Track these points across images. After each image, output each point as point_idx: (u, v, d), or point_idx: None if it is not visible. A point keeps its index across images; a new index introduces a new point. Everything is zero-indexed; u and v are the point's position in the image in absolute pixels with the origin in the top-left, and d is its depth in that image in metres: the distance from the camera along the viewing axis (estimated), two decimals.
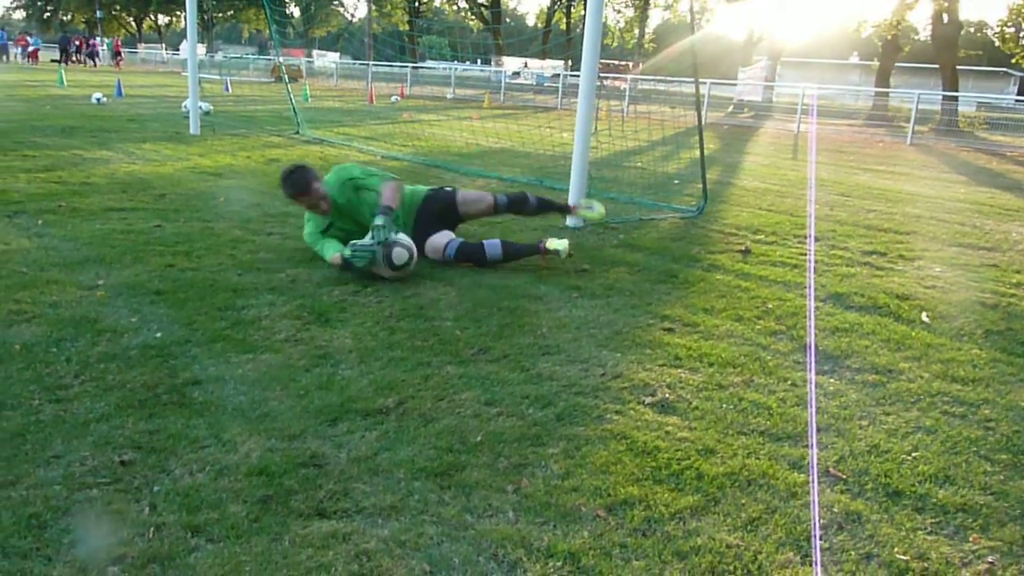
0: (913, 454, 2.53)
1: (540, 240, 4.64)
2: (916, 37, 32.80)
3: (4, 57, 40.25)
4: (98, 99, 15.51)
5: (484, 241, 4.59)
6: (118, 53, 40.63)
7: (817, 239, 5.80)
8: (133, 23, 68.82)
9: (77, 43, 41.89)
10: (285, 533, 1.95)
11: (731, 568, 1.92)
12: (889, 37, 24.76)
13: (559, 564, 1.89)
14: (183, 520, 1.98)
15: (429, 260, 4.52)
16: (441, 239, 4.57)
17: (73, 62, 38.37)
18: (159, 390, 2.70)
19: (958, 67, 22.72)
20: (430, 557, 1.89)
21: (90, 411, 2.52)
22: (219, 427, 2.46)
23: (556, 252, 4.55)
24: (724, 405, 2.83)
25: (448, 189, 5.00)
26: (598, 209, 5.48)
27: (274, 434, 2.43)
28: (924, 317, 3.99)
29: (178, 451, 2.31)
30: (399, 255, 4.10)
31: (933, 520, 2.17)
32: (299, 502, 2.08)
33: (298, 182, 4.46)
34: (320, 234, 4.52)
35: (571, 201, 5.68)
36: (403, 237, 4.21)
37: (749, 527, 2.09)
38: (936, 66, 23.24)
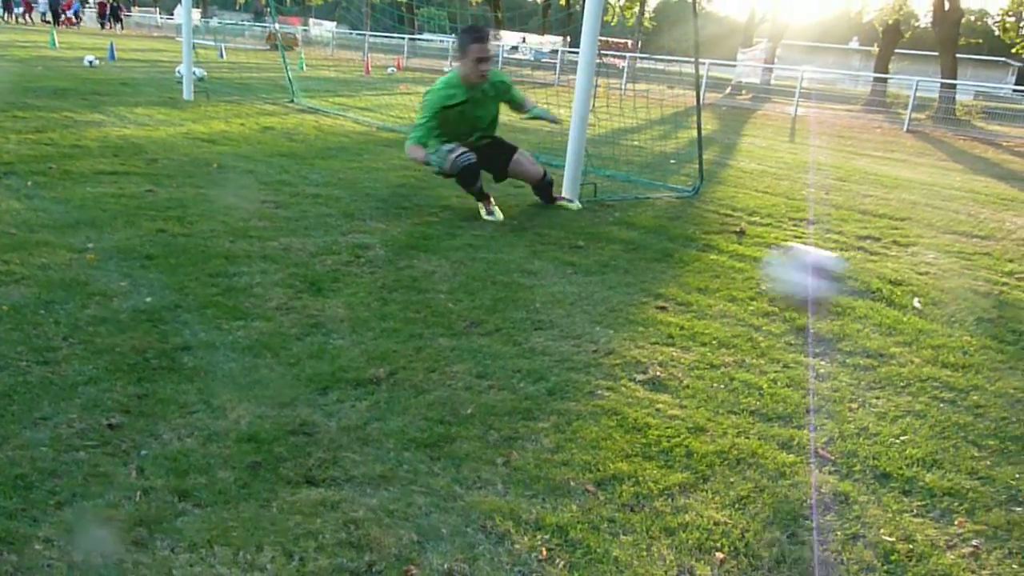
0: (902, 438, 2.54)
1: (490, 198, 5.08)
2: (917, 24, 32.64)
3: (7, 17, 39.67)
4: (90, 62, 15.32)
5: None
6: (101, 14, 40.18)
7: (812, 222, 5.80)
8: None
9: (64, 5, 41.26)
10: (274, 500, 1.94)
11: (719, 545, 1.92)
12: (890, 22, 24.66)
13: (547, 537, 1.89)
14: (171, 484, 1.97)
15: (423, 231, 4.51)
16: (460, 146, 4.95)
17: (62, 23, 37.83)
18: (149, 355, 2.68)
19: (958, 55, 22.65)
20: (419, 527, 1.89)
21: (79, 374, 2.50)
22: (209, 393, 2.44)
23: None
24: (715, 384, 2.83)
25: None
26: (576, 205, 5.67)
27: (264, 401, 2.42)
28: (916, 303, 4.00)
29: (167, 416, 2.29)
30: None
31: (920, 503, 2.18)
32: (288, 469, 2.08)
33: (480, 29, 4.95)
34: (438, 111, 4.88)
35: (564, 191, 5.84)
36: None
37: (737, 505, 2.10)
38: (936, 53, 23.15)
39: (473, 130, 5.14)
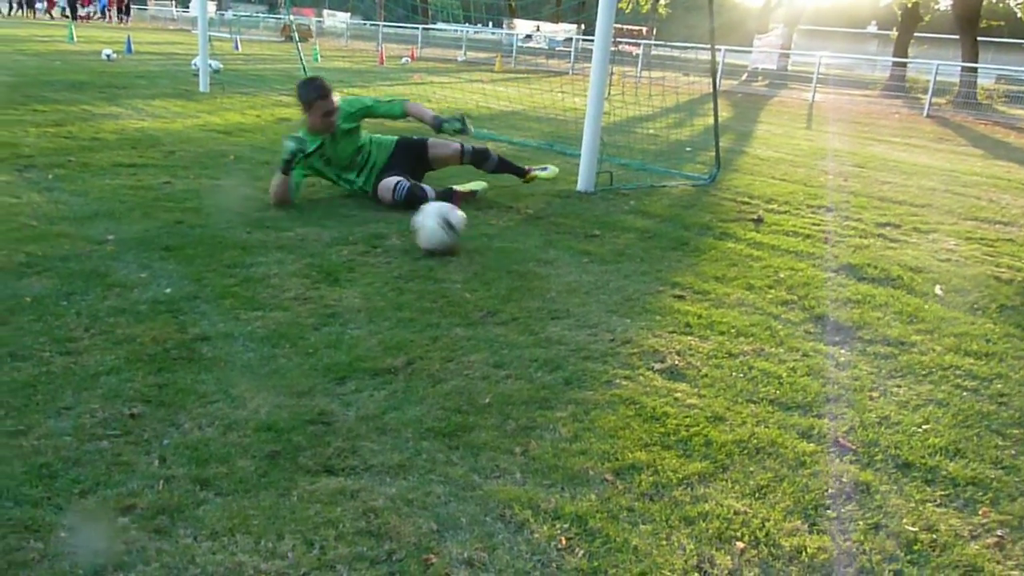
0: (924, 427, 2.52)
1: (451, 187, 4.96)
2: (936, 7, 32.21)
3: (21, 12, 39.99)
4: (108, 55, 15.41)
5: (423, 185, 4.85)
6: (119, 9, 40.31)
7: (831, 210, 5.75)
8: None
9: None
10: (293, 488, 1.95)
11: (738, 534, 1.91)
12: (909, 5, 24.35)
13: (566, 526, 1.89)
14: (192, 473, 1.98)
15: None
16: (388, 183, 4.77)
17: (81, 18, 38.04)
18: (168, 345, 2.70)
19: (978, 38, 22.33)
20: (437, 516, 1.89)
21: (100, 364, 2.52)
22: (228, 383, 2.46)
23: (472, 193, 5.00)
24: (734, 373, 2.82)
25: (417, 137, 5.25)
26: (551, 169, 5.59)
27: (282, 391, 2.43)
28: (937, 290, 3.96)
29: (187, 405, 2.31)
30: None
31: (943, 493, 2.16)
32: (307, 458, 2.09)
33: (322, 86, 4.74)
34: (302, 159, 4.66)
35: (579, 185, 5.74)
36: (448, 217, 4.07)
37: (757, 494, 2.09)
38: (956, 36, 22.84)
39: (347, 163, 4.92)
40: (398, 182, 4.74)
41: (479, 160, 5.26)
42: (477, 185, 5.13)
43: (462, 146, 5.19)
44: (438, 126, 5.00)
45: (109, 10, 40.86)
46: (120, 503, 1.85)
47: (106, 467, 1.99)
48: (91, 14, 39.90)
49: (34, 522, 1.77)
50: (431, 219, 3.89)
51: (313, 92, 4.72)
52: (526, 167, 5.55)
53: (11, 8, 40.45)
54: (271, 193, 4.67)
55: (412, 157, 5.07)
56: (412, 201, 4.55)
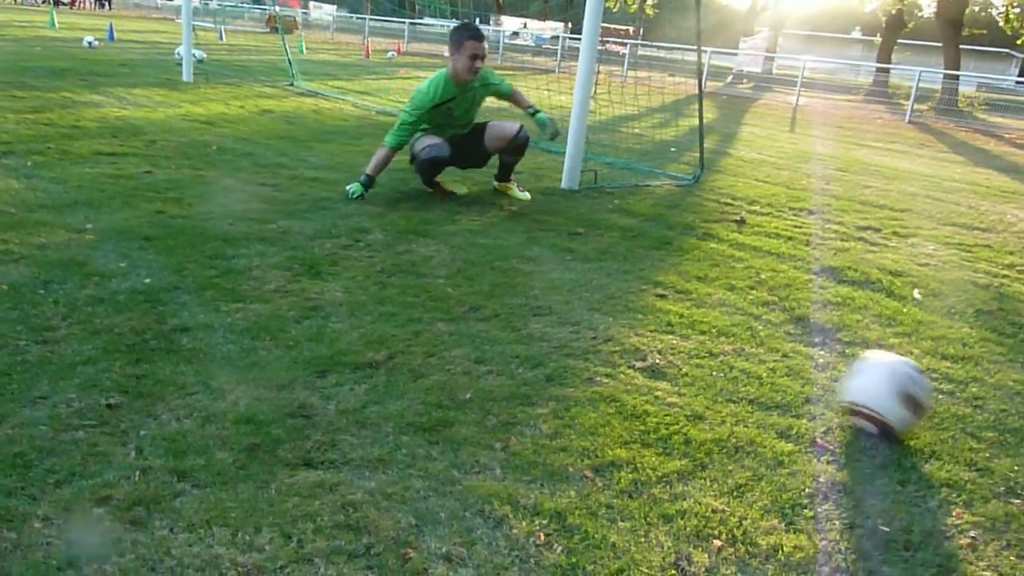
0: None
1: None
2: (920, 14, 32.51)
3: None
4: (89, 43, 15.24)
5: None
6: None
7: (813, 212, 5.79)
8: None
9: None
10: (272, 481, 1.94)
11: (716, 532, 1.92)
12: (893, 12, 24.56)
13: (545, 522, 1.89)
14: (169, 465, 1.96)
15: (422, 216, 4.50)
16: (435, 140, 4.91)
17: (64, 4, 37.63)
18: (147, 335, 2.67)
19: (961, 46, 22.57)
20: (416, 510, 1.89)
21: (77, 354, 2.49)
22: (207, 374, 2.44)
23: (452, 193, 5.14)
24: (714, 373, 2.83)
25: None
26: (525, 196, 5.40)
27: (262, 383, 2.42)
28: (916, 294, 4.00)
29: (165, 396, 2.29)
30: None
31: (918, 494, 2.19)
32: (286, 451, 2.07)
33: (477, 28, 4.97)
34: (430, 109, 4.82)
35: (563, 183, 5.80)
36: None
37: (735, 493, 2.10)
38: (939, 44, 23.07)
39: (455, 127, 5.06)
40: (440, 143, 4.89)
41: (517, 151, 5.27)
42: (459, 188, 5.25)
43: (521, 127, 5.18)
44: (533, 113, 5.28)
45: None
46: (96, 494, 1.83)
47: (82, 457, 1.97)
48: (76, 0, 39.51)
49: (8, 512, 1.74)
50: (889, 399, 2.44)
51: (467, 31, 4.84)
52: (512, 180, 5.52)
53: None
54: (375, 158, 4.91)
55: (471, 141, 5.17)
56: (433, 169, 4.99)
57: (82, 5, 39.79)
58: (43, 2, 37.84)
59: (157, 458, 1.99)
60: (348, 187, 4.87)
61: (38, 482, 1.86)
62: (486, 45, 4.89)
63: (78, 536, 1.70)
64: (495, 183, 5.48)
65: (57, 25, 20.67)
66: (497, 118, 5.43)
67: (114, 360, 2.47)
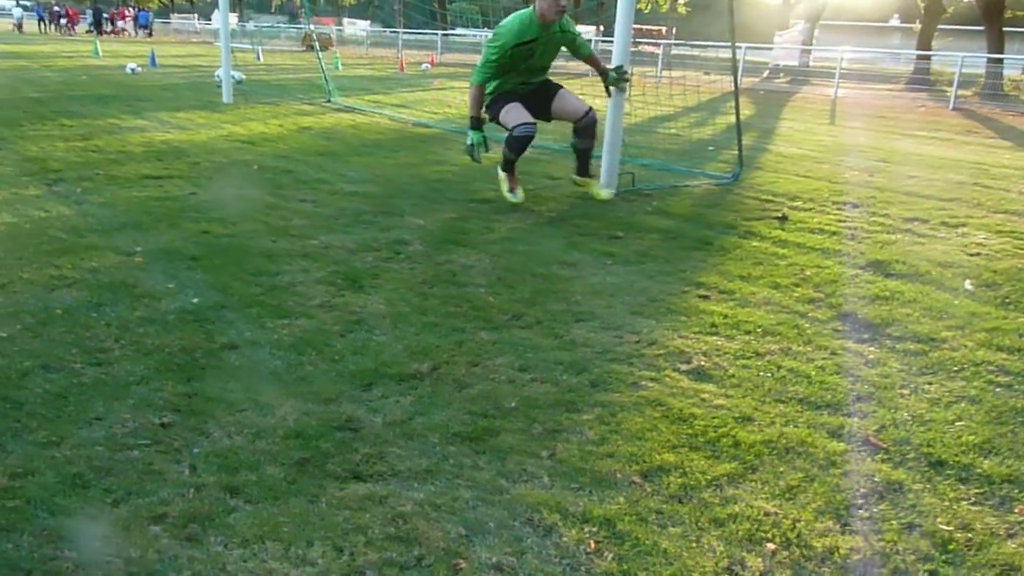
0: (957, 424, 2.48)
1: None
2: None
3: (52, 27, 40.85)
4: (132, 69, 15.64)
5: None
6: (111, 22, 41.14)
7: (856, 206, 5.68)
8: None
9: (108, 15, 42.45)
10: (322, 495, 1.96)
11: (769, 535, 1.89)
12: None
13: (595, 529, 1.88)
14: (222, 481, 2.00)
15: (461, 225, 4.52)
16: (528, 118, 5.04)
17: (107, 33, 38.72)
18: (196, 354, 2.72)
19: (1005, 28, 21.99)
20: (465, 520, 1.89)
21: (130, 374, 2.55)
22: (256, 391, 2.48)
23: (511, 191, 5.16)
24: (761, 373, 2.79)
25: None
26: (606, 194, 5.53)
27: (310, 398, 2.45)
28: (967, 285, 3.90)
29: (216, 414, 2.33)
30: None
31: (977, 491, 2.13)
32: (335, 465, 2.10)
33: None
34: (510, 48, 4.87)
35: (601, 186, 5.75)
36: None
37: (787, 495, 2.06)
38: (981, 28, 22.52)
39: (531, 72, 5.11)
40: (530, 124, 5.00)
41: (586, 130, 5.30)
42: (519, 195, 5.23)
43: (589, 108, 5.26)
44: (607, 72, 5.35)
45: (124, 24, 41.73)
46: (152, 512, 1.87)
47: (137, 476, 2.01)
48: (122, 29, 40.61)
49: (68, 532, 1.79)
50: None
51: None
52: (591, 177, 5.62)
53: (41, 22, 41.32)
54: (469, 98, 5.14)
55: (541, 97, 5.24)
56: (520, 147, 5.05)
57: (127, 33, 40.92)
58: (87, 32, 38.97)
59: (210, 475, 2.02)
60: (467, 140, 5.09)
61: (96, 501, 1.91)
62: None
63: (136, 554, 1.73)
64: (574, 177, 5.60)
65: (101, 53, 21.25)
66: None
67: (165, 379, 2.53)
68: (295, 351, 2.78)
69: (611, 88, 5.43)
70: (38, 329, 2.87)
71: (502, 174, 5.24)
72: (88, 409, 2.33)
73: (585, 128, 5.29)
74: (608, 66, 5.41)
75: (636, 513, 1.95)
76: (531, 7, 4.91)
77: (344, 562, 1.73)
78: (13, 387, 2.43)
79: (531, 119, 5.01)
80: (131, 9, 48.07)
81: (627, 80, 5.41)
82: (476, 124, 5.07)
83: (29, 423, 2.23)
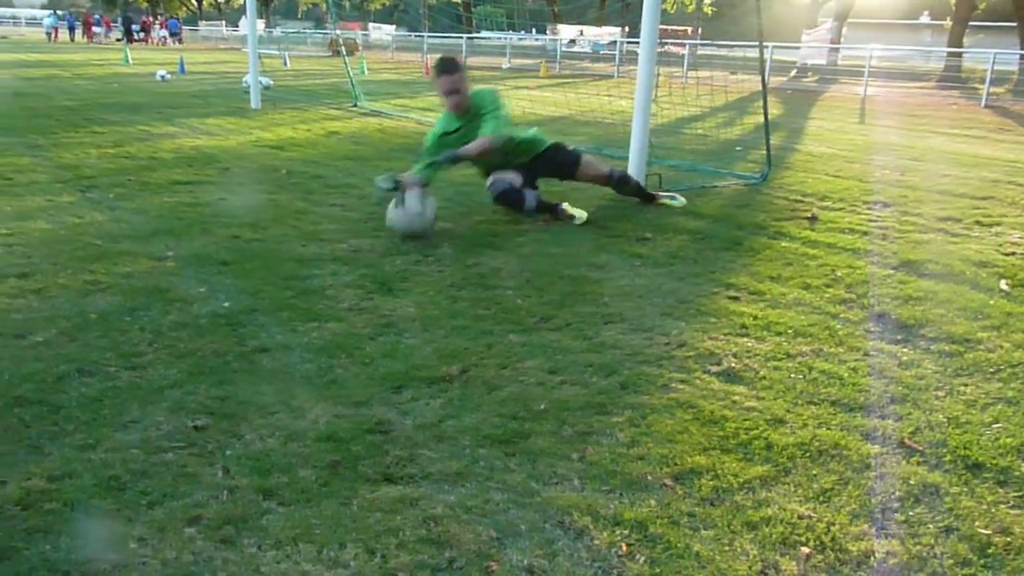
0: (994, 426, 2.44)
1: (561, 203, 4.90)
2: None
3: (74, 36, 41.55)
4: (162, 76, 15.86)
5: (525, 191, 4.86)
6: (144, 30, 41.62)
7: (888, 205, 5.61)
8: (194, 1, 69.94)
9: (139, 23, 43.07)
10: (354, 497, 1.97)
11: (804, 539, 1.87)
12: None
13: (626, 532, 1.87)
14: (255, 483, 2.01)
15: (490, 228, 4.53)
16: (495, 175, 4.83)
17: (135, 41, 39.29)
18: (229, 357, 2.75)
19: None
20: (497, 523, 1.89)
21: (164, 378, 2.58)
22: (287, 394, 2.50)
23: (571, 217, 4.82)
24: (793, 375, 2.76)
25: (572, 149, 5.26)
26: (680, 200, 5.47)
27: (341, 401, 2.46)
28: (1003, 285, 3.83)
29: (249, 417, 2.35)
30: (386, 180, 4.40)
31: (1016, 494, 2.09)
32: (367, 467, 2.11)
33: (451, 62, 4.81)
34: (438, 139, 4.79)
35: (631, 170, 5.66)
36: (414, 199, 4.35)
37: (821, 498, 2.04)
38: (1014, 24, 22.13)
39: (509, 162, 4.89)
40: (496, 179, 4.81)
41: (621, 184, 5.34)
42: (579, 213, 4.86)
43: (611, 171, 5.29)
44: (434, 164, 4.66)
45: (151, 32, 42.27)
46: (187, 514, 1.89)
47: (172, 479, 2.04)
48: (163, 38, 41.13)
49: (106, 534, 1.82)
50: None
51: (436, 68, 4.83)
52: (656, 193, 5.53)
53: (72, 31, 42.03)
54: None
55: (558, 171, 5.17)
56: (505, 202, 4.82)
57: (163, 41, 41.49)
58: (117, 40, 39.59)
59: (243, 477, 2.04)
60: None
61: (132, 504, 1.93)
62: (455, 78, 4.67)
63: (172, 555, 1.75)
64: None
65: (131, 61, 21.58)
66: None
67: (199, 383, 2.56)
68: (326, 354, 2.80)
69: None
70: (74, 333, 2.92)
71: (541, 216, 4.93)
72: (123, 412, 2.36)
73: (619, 185, 5.34)
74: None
75: (668, 516, 1.94)
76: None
77: (376, 564, 1.74)
78: (50, 391, 2.48)
79: (503, 174, 4.82)
80: (160, 16, 48.78)
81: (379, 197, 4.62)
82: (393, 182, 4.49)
83: (66, 426, 2.27)
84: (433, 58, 25.10)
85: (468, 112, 4.76)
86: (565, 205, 4.88)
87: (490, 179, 4.86)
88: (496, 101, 4.79)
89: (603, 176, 5.28)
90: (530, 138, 5.06)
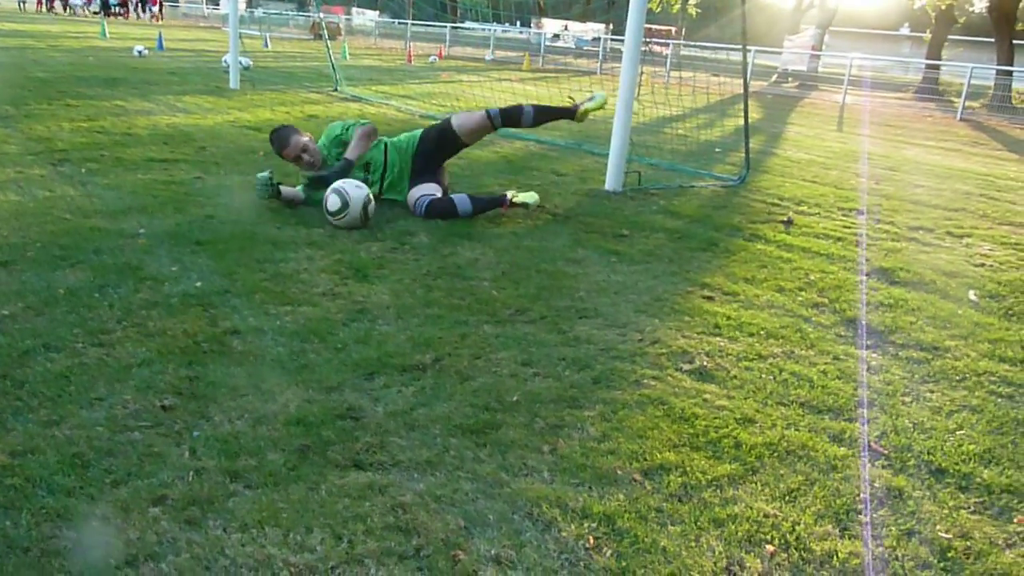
0: (958, 432, 2.48)
1: (504, 193, 4.77)
2: (971, 9, 31.69)
3: (68, 9, 40.73)
4: (140, 52, 15.59)
5: (452, 196, 4.72)
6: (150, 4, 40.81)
7: (862, 213, 5.67)
8: None
9: None
10: (322, 483, 1.96)
11: (768, 537, 1.89)
12: (943, 7, 23.99)
13: (594, 525, 1.88)
14: (222, 466, 1.99)
15: (463, 219, 4.52)
16: (414, 194, 4.68)
17: (113, 15, 38.56)
18: (199, 338, 2.72)
19: (1015, 41, 21.95)
20: (465, 513, 1.89)
21: (132, 356, 2.55)
22: (258, 377, 2.47)
23: (523, 205, 4.72)
24: (764, 375, 2.79)
25: (439, 118, 5.06)
26: (599, 98, 5.19)
27: (312, 385, 2.44)
28: (972, 295, 3.89)
29: (218, 398, 2.33)
30: (332, 202, 4.19)
31: (977, 500, 2.13)
32: (336, 453, 2.09)
33: (280, 137, 4.73)
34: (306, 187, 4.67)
35: (607, 184, 5.67)
36: (347, 186, 4.25)
37: (787, 498, 2.06)
38: (991, 40, 22.48)
39: (367, 178, 4.70)
40: (419, 198, 4.60)
41: (513, 120, 4.97)
42: (529, 197, 4.77)
43: (487, 112, 4.90)
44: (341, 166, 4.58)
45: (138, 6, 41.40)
46: (152, 494, 1.87)
47: (138, 458, 2.01)
48: (156, 15, 40.31)
49: (67, 511, 1.79)
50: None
51: (273, 145, 4.78)
52: (574, 104, 5.20)
53: (64, 5, 41.20)
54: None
55: (441, 142, 4.87)
56: (438, 213, 4.54)
57: (156, 18, 40.78)
58: (95, 13, 38.87)
59: (211, 459, 2.02)
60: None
61: (96, 482, 1.90)
62: (296, 138, 4.65)
63: (135, 535, 1.73)
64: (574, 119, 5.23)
65: (108, 35, 21.21)
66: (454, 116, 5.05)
67: (168, 363, 2.52)
68: (298, 338, 2.78)
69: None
70: (41, 308, 2.87)
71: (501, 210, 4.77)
72: (90, 390, 2.32)
73: (511, 122, 4.97)
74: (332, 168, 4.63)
75: (636, 511, 1.95)
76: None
77: (343, 550, 1.73)
78: (15, 366, 2.43)
79: (420, 194, 4.62)
80: None
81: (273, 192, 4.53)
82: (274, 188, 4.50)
83: (30, 402, 2.23)
84: (416, 46, 24.97)
85: (327, 157, 4.74)
86: (510, 194, 4.75)
87: (411, 200, 4.65)
88: (344, 123, 4.84)
89: (484, 122, 4.87)
90: (405, 135, 4.92)
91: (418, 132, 4.97)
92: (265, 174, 4.47)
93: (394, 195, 4.81)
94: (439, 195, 4.66)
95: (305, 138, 4.73)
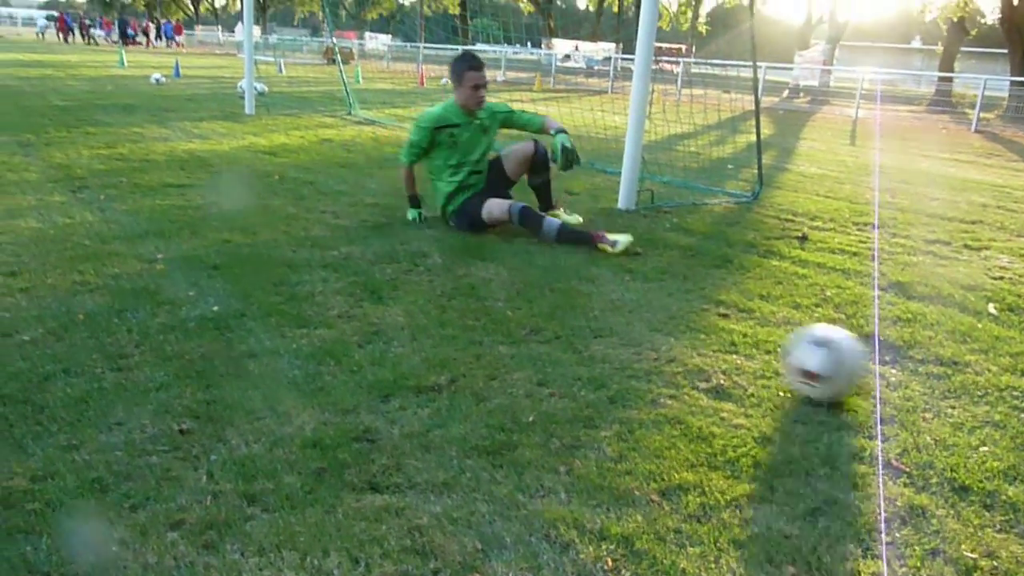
0: (981, 449, 2.44)
1: (599, 232, 4.55)
2: (983, 20, 31.64)
3: (71, 38, 41.45)
4: (157, 79, 15.82)
5: (545, 216, 4.73)
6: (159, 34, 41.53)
7: (877, 227, 5.64)
8: (191, 5, 69.93)
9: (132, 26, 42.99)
10: (339, 505, 1.96)
11: (789, 558, 1.87)
12: (955, 20, 23.96)
13: (612, 547, 1.86)
14: (239, 489, 2.00)
15: (480, 239, 4.53)
16: (504, 201, 4.72)
17: (132, 43, 39.17)
18: (216, 361, 2.73)
19: None
20: (482, 535, 1.88)
21: (150, 380, 2.56)
22: (274, 399, 2.48)
23: (614, 243, 4.44)
24: (781, 393, 2.76)
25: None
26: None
27: (328, 408, 2.45)
28: (991, 308, 3.85)
29: (235, 421, 2.33)
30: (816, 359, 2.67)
31: (1003, 518, 2.09)
32: (352, 475, 2.09)
33: (474, 56, 4.88)
34: (432, 129, 4.75)
35: (620, 203, 5.73)
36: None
37: (808, 517, 2.04)
38: (1004, 51, 22.40)
39: (463, 159, 4.80)
40: (512, 203, 4.66)
41: (538, 168, 5.03)
42: (622, 238, 4.46)
43: (535, 143, 4.99)
44: (555, 133, 4.92)
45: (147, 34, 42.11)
46: (169, 518, 1.87)
47: (156, 482, 2.02)
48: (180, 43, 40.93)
49: (87, 536, 1.79)
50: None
51: (465, 62, 4.79)
52: (556, 204, 5.26)
53: (59, 32, 41.93)
54: (402, 179, 5.00)
55: (497, 174, 4.99)
56: (530, 223, 4.60)
57: (175, 43, 41.42)
58: (114, 42, 39.50)
59: (228, 482, 2.03)
60: (408, 215, 4.96)
61: (115, 506, 1.91)
62: (486, 73, 4.78)
63: (153, 560, 1.73)
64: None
65: (126, 64, 21.53)
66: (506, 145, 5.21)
67: (185, 386, 2.54)
68: (314, 361, 2.79)
69: (556, 155, 4.89)
70: (60, 333, 2.90)
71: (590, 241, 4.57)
72: (108, 414, 2.34)
73: (539, 165, 5.02)
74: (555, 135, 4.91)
75: (654, 532, 1.93)
76: (452, 98, 4.82)
77: (360, 573, 1.72)
78: (35, 390, 2.45)
79: (510, 201, 4.72)
80: (155, 20, 48.82)
81: (562, 163, 4.87)
82: (414, 202, 4.99)
83: (50, 426, 2.25)
84: (428, 68, 25.18)
85: (474, 113, 4.82)
86: (603, 232, 4.52)
87: (494, 204, 4.65)
88: (502, 105, 5.10)
89: (528, 151, 4.98)
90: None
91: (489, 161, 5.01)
92: (412, 212, 4.92)
93: (451, 205, 4.88)
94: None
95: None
